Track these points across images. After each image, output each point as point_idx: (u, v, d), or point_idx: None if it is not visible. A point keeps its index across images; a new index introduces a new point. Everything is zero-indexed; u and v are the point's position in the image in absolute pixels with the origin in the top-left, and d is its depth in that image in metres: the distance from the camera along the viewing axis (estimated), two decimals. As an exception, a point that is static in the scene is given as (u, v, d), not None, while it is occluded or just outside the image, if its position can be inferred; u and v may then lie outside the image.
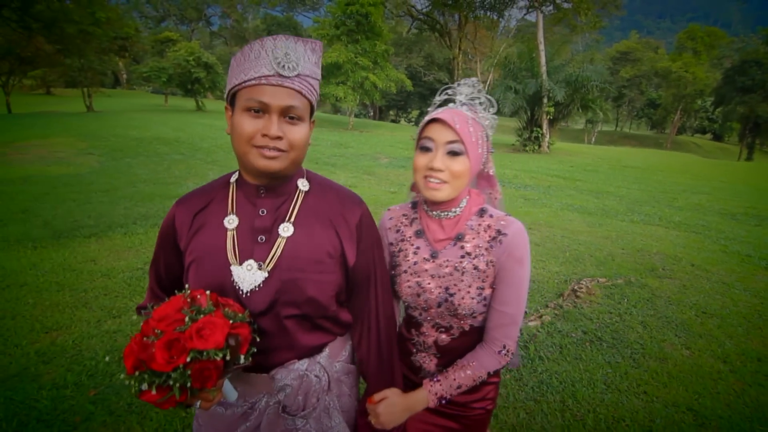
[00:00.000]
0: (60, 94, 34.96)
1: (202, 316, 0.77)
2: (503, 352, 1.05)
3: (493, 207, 1.11)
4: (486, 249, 1.04)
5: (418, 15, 32.12)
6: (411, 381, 1.16)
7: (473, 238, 1.05)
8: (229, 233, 0.93)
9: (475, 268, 1.04)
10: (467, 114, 1.00)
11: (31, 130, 12.36)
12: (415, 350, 1.16)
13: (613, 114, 46.34)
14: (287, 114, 0.86)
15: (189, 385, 0.74)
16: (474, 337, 1.10)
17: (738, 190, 11.12)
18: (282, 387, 0.95)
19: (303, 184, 0.99)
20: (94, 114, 19.47)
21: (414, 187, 1.20)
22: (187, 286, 0.87)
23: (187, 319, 0.76)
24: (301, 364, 0.97)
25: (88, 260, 4.23)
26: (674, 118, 43.17)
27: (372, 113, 42.14)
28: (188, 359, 0.72)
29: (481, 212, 1.08)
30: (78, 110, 21.98)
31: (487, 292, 1.05)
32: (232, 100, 0.90)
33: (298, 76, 0.86)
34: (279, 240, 0.92)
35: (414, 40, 38.23)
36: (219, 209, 0.96)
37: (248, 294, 0.90)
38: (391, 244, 1.15)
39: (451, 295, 1.05)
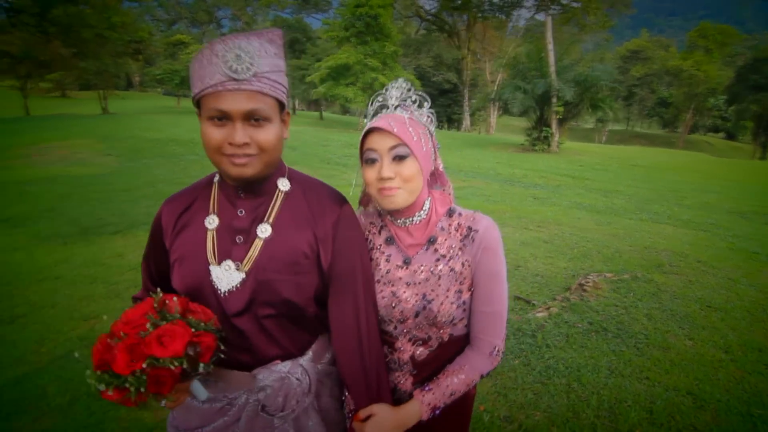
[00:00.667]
0: (74, 97, 35.65)
1: (165, 323, 0.78)
2: (494, 353, 1.02)
3: (445, 199, 1.09)
4: (460, 249, 1.02)
5: (426, 16, 32.26)
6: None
7: (445, 240, 1.03)
8: (209, 233, 0.93)
9: (452, 270, 1.01)
10: (403, 115, 0.98)
11: (51, 132, 12.73)
12: (388, 370, 1.08)
13: (623, 113, 45.99)
14: (251, 117, 0.84)
15: (144, 389, 0.75)
16: (453, 348, 1.06)
17: (749, 188, 11.09)
18: (263, 387, 0.95)
19: (283, 184, 0.98)
20: (109, 116, 19.91)
21: (365, 201, 1.17)
22: (159, 290, 0.87)
23: (148, 325, 0.77)
24: (284, 366, 0.96)
25: (115, 255, 4.46)
26: (686, 116, 42.74)
27: (381, 114, 42.24)
28: (145, 365, 0.73)
29: (450, 212, 1.06)
30: (94, 112, 22.46)
31: (466, 296, 1.02)
32: (198, 105, 0.89)
33: (255, 76, 0.83)
34: (256, 241, 0.92)
35: (422, 40, 38.35)
36: (201, 209, 0.96)
37: (226, 294, 0.90)
38: None
39: (429, 302, 1.00)
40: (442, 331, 1.03)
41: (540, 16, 25.13)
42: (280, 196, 0.96)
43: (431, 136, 1.03)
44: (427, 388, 1.00)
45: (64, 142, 11.42)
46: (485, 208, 6.96)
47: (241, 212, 0.94)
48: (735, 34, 44.62)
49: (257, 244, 0.92)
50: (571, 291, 3.81)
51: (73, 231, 5.24)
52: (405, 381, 1.06)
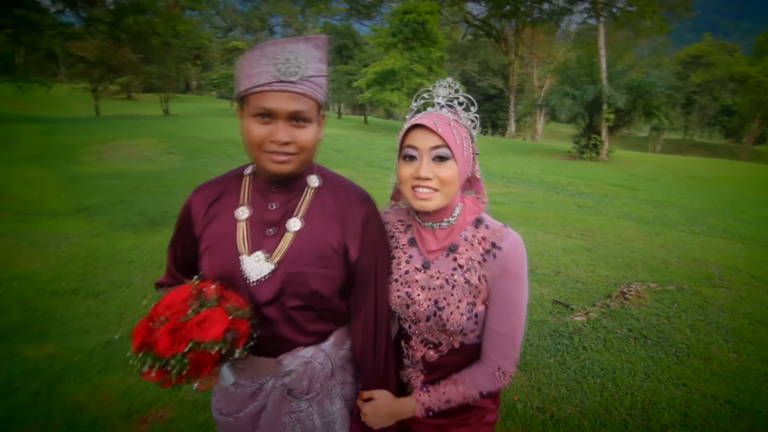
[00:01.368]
0: (139, 99, 38.30)
1: (204, 309, 0.82)
2: (498, 374, 1.00)
3: (477, 208, 1.07)
4: (479, 263, 0.99)
5: (473, 21, 32.11)
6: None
7: (466, 250, 1.01)
8: (240, 224, 0.97)
9: (467, 282, 0.99)
10: (449, 116, 0.96)
11: (119, 132, 13.86)
12: (403, 366, 1.12)
13: (681, 121, 43.56)
14: (294, 118, 0.88)
15: (185, 372, 0.79)
16: (464, 355, 1.05)
17: (819, 204, 10.32)
18: (288, 372, 0.99)
19: (313, 181, 1.02)
20: (170, 117, 21.31)
21: (395, 196, 1.16)
22: (195, 277, 0.91)
23: (190, 310, 0.81)
24: (306, 351, 1.00)
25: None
26: (752, 126, 39.84)
27: (424, 118, 42.38)
28: (187, 348, 0.77)
29: (477, 222, 1.03)
30: (156, 113, 24.10)
31: (479, 308, 1.00)
32: (241, 102, 0.93)
33: (301, 79, 0.87)
34: (287, 234, 0.96)
35: (469, 45, 38.17)
36: (233, 200, 1.00)
37: (255, 284, 0.94)
38: None
39: (440, 309, 1.00)
40: (452, 338, 1.03)
41: (593, 20, 24.42)
42: (310, 192, 1.00)
43: (472, 140, 1.01)
44: (425, 390, 1.04)
45: (131, 141, 12.41)
46: (527, 215, 6.95)
47: (272, 206, 0.97)
48: (811, 38, 41.12)
49: (288, 237, 0.95)
50: (612, 298, 3.82)
51: (142, 221, 5.78)
52: (416, 378, 1.09)
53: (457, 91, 1.00)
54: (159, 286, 1.12)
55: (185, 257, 1.06)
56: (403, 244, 1.08)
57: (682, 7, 23.64)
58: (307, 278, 0.95)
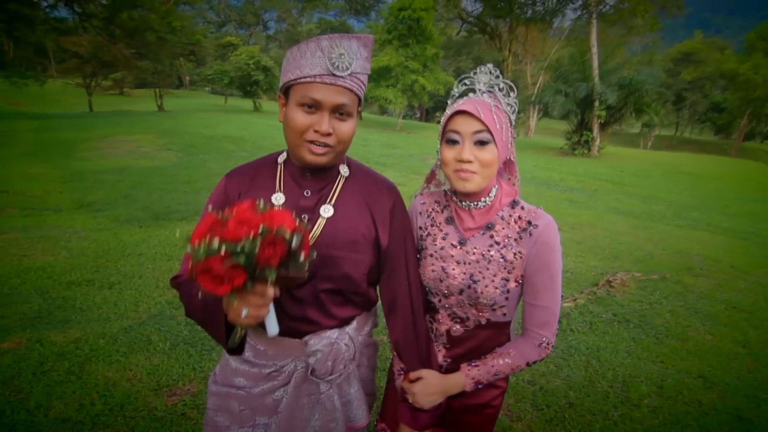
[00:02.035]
0: (131, 95, 38.10)
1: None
2: (543, 345, 1.06)
3: (512, 190, 1.12)
4: (515, 240, 1.05)
5: (468, 18, 32.28)
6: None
7: (503, 228, 1.06)
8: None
9: (503, 257, 1.05)
10: (489, 102, 1.01)
11: (116, 128, 13.90)
12: None
13: (672, 118, 44.10)
14: (338, 111, 0.93)
15: (253, 261, 0.74)
16: (488, 332, 1.11)
17: (801, 199, 10.67)
18: (314, 352, 1.02)
19: (344, 170, 1.07)
20: (165, 113, 21.30)
21: (430, 179, 1.22)
22: (262, 200, 0.90)
23: (261, 205, 0.80)
24: (332, 333, 1.04)
25: (186, 238, 5.07)
26: (741, 123, 40.47)
27: (419, 114, 42.64)
28: (260, 230, 0.74)
29: (513, 204, 1.09)
30: (150, 109, 24.07)
31: (511, 285, 1.05)
32: (286, 91, 0.96)
33: (350, 74, 0.92)
34: (320, 220, 1.00)
35: (463, 42, 38.35)
36: (267, 186, 1.03)
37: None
38: (420, 228, 1.17)
39: (475, 282, 1.06)
40: (481, 314, 1.09)
41: (586, 17, 24.69)
42: (341, 181, 1.05)
43: (511, 125, 1.05)
44: (474, 364, 1.09)
45: (128, 137, 12.48)
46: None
47: (307, 193, 1.02)
48: (800, 35, 41.72)
49: (321, 223, 1.00)
50: (599, 287, 4.06)
51: (147, 216, 5.93)
52: (438, 352, 1.14)
53: (497, 77, 1.05)
54: (174, 279, 1.08)
55: None
56: (440, 222, 1.13)
57: (674, 5, 23.99)
58: (339, 261, 1.00)
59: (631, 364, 2.73)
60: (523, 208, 1.07)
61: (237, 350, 0.99)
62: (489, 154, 0.99)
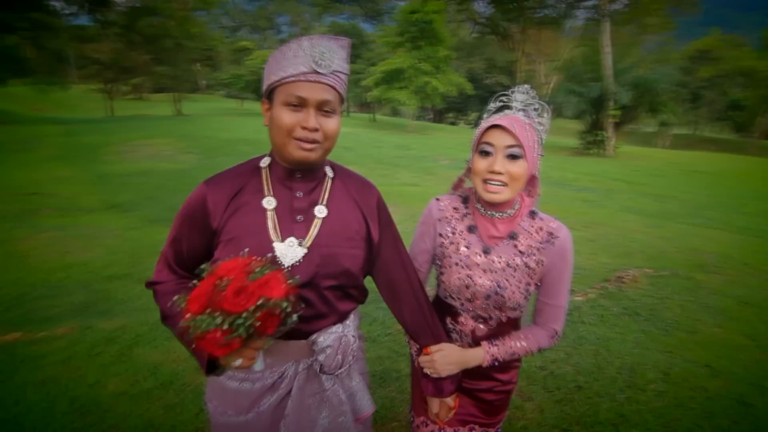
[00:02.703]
0: (149, 99, 38.97)
1: (267, 271, 0.85)
2: (555, 336, 1.19)
3: (531, 201, 1.20)
4: (537, 249, 1.13)
5: (480, 19, 32.32)
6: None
7: (526, 239, 1.14)
8: (269, 213, 1.02)
9: (527, 266, 1.13)
10: (524, 120, 1.08)
11: (137, 132, 14.35)
12: (451, 339, 1.23)
13: (690, 116, 43.41)
14: (323, 107, 0.95)
15: (252, 330, 0.80)
16: (509, 328, 1.21)
17: (820, 198, 10.54)
18: (323, 349, 1.04)
19: (329, 171, 1.11)
20: (184, 117, 21.83)
21: (457, 186, 1.28)
22: (246, 250, 0.93)
23: (252, 273, 0.83)
24: (337, 327, 1.08)
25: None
26: (761, 120, 39.64)
27: (431, 116, 42.75)
28: (257, 304, 0.79)
29: (532, 214, 1.16)
30: (168, 113, 24.66)
31: (531, 288, 1.16)
32: (269, 95, 0.98)
33: (332, 72, 0.95)
34: (315, 220, 1.04)
35: (475, 43, 38.33)
36: (256, 191, 1.04)
37: (289, 268, 0.99)
38: (441, 235, 1.21)
39: (502, 288, 1.13)
40: (504, 314, 1.18)
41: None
42: (329, 181, 1.09)
43: (541, 144, 1.12)
44: (494, 343, 1.18)
45: (149, 141, 12.89)
46: (533, 209, 7.29)
47: (300, 194, 1.04)
48: (822, 31, 40.70)
49: (317, 223, 1.03)
50: (610, 282, 4.18)
51: (172, 216, 6.11)
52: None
53: (533, 97, 1.12)
54: (150, 285, 1.11)
55: (192, 252, 1.07)
56: (461, 231, 1.19)
57: (688, 3, 23.70)
58: (339, 258, 1.04)
59: (638, 353, 2.86)
60: (541, 219, 1.16)
61: (217, 371, 1.00)
62: (519, 168, 1.06)
